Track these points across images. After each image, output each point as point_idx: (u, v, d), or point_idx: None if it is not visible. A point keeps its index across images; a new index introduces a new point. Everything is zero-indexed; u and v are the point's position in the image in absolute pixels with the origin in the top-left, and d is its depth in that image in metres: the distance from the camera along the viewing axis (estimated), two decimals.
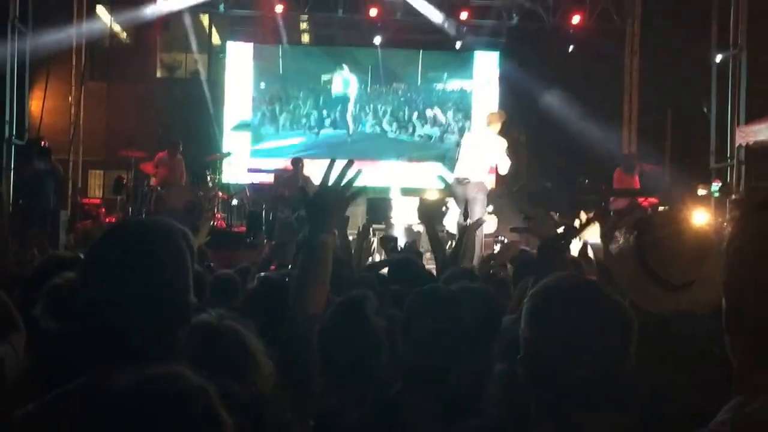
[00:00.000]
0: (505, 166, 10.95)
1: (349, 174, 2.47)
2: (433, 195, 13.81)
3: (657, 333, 2.17)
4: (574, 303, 1.95)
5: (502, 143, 10.90)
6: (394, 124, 16.67)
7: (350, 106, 16.53)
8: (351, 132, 16.52)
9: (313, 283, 2.44)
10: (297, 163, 13.88)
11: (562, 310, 1.94)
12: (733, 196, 12.54)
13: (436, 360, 2.59)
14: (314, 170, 14.59)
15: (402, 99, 16.69)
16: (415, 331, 2.65)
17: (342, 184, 2.46)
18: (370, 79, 16.62)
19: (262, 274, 3.66)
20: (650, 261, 2.47)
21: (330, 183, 2.46)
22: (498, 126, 11.02)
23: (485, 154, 10.94)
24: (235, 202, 14.12)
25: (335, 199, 2.46)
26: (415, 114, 16.71)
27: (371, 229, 9.98)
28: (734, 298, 1.40)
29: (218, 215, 13.80)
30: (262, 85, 16.40)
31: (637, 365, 1.95)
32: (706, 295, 2.46)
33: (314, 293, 2.44)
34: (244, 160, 15.75)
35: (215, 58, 16.79)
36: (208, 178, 13.84)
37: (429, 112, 16.70)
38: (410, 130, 16.70)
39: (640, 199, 12.66)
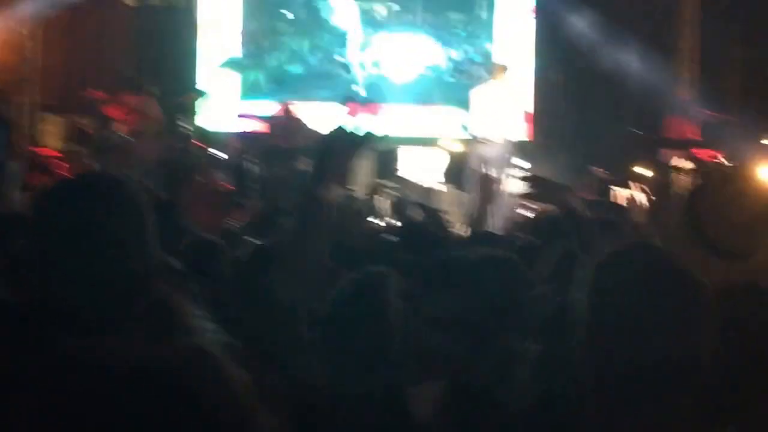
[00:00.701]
0: (516, 123, 12.10)
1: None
2: (453, 146, 13.92)
3: (719, 309, 2.14)
4: (645, 275, 1.95)
5: (513, 97, 12.12)
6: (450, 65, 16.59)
7: (356, 44, 16.42)
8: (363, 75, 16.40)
9: (309, 246, 2.43)
10: (289, 108, 13.87)
11: (631, 283, 1.94)
12: None
13: (452, 342, 2.61)
14: (317, 114, 14.59)
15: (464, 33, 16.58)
16: (428, 307, 2.65)
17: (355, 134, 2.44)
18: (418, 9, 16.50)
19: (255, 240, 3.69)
20: (705, 225, 2.47)
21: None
22: (503, 77, 12.20)
23: (500, 109, 11.79)
24: (220, 154, 14.15)
25: (349, 142, 2.44)
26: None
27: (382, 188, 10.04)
28: None
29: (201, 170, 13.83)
30: (255, 14, 16.33)
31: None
32: None
33: (307, 257, 2.44)
34: (232, 104, 15.75)
35: None
36: (188, 125, 13.86)
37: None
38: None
39: (699, 152, 12.65)
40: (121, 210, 1.91)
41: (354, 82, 16.21)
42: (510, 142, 11.85)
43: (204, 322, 2.21)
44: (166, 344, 1.69)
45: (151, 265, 1.96)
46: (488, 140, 11.63)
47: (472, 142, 11.78)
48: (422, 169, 13.31)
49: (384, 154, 12.86)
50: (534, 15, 16.43)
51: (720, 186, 2.62)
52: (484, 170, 11.42)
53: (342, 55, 16.33)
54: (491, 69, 12.56)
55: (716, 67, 15.20)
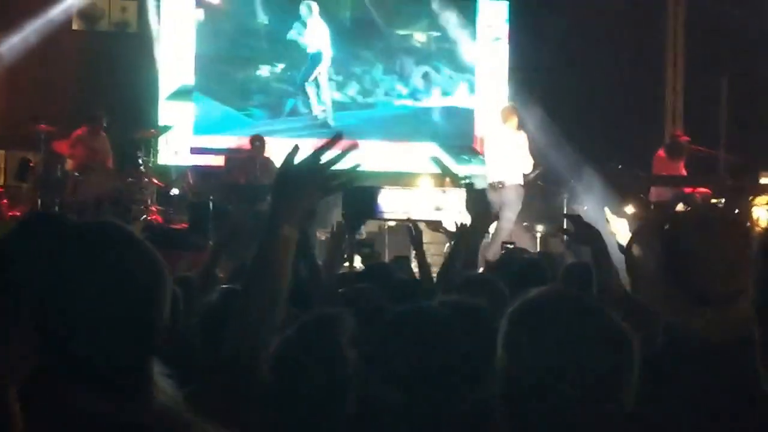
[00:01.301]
0: (529, 165, 12.60)
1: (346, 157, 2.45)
2: (428, 182, 14.09)
3: (706, 362, 2.20)
4: (556, 324, 1.97)
5: (524, 139, 12.66)
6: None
7: (324, 69, 16.52)
8: (328, 106, 16.51)
9: (268, 296, 2.41)
10: (256, 142, 13.85)
11: (542, 333, 1.97)
12: None
13: (415, 399, 2.61)
14: (280, 151, 14.62)
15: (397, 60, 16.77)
16: (388, 363, 2.67)
17: (328, 163, 2.42)
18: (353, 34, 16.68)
19: (226, 285, 3.69)
20: (678, 268, 2.46)
21: (316, 160, 2.42)
22: (515, 120, 12.77)
23: (513, 153, 12.46)
24: (174, 191, 14.13)
25: (312, 180, 2.42)
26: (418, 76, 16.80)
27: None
28: None
29: (153, 208, 13.80)
30: (209, 40, 16.38)
31: (683, 405, 2.02)
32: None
33: (267, 309, 2.42)
34: (186, 138, 15.78)
35: (148, 5, 16.71)
36: (140, 160, 13.84)
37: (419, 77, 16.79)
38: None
39: (688, 190, 12.74)
40: (144, 264, 1.94)
41: (285, 115, 16.43)
42: (521, 187, 12.52)
43: (163, 377, 2.22)
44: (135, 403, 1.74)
45: (164, 318, 1.99)
46: (503, 186, 12.31)
47: (488, 191, 12.13)
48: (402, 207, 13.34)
49: (360, 191, 12.82)
50: (507, 42, 16.66)
51: (695, 227, 2.60)
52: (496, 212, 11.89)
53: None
54: (501, 114, 13.07)
55: (703, 101, 15.36)
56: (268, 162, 13.76)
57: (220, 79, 16.38)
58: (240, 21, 16.51)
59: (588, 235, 4.31)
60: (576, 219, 4.68)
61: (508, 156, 12.39)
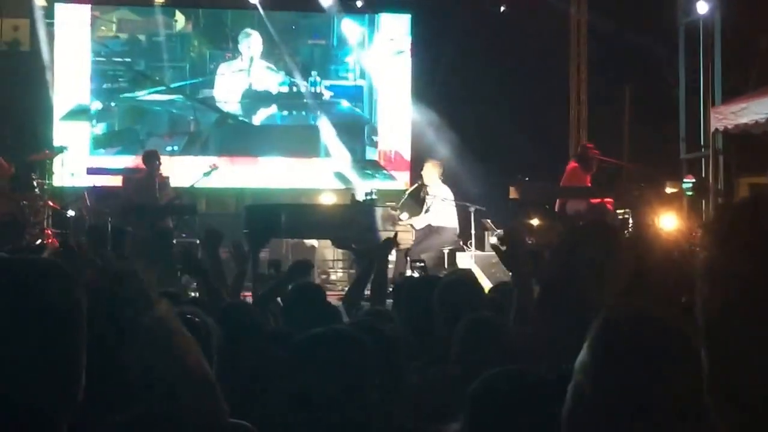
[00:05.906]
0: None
1: None
2: (331, 198, 14.24)
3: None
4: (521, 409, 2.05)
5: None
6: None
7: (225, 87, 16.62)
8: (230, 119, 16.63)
9: None
10: (151, 158, 13.73)
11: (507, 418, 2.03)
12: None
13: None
14: (179, 168, 14.67)
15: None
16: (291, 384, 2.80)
17: None
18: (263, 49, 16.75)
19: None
20: (570, 283, 2.49)
21: None
22: (440, 171, 13.41)
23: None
24: (71, 212, 14.03)
25: None
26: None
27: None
28: (724, 353, 1.23)
29: (49, 231, 13.69)
30: (103, 59, 16.33)
31: None
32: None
33: None
34: (82, 158, 15.75)
35: (40, 24, 16.57)
36: (34, 182, 13.73)
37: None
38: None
39: (594, 200, 12.91)
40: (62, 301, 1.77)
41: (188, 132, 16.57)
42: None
43: None
44: None
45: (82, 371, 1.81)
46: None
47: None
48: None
49: (263, 209, 12.79)
50: (411, 55, 16.88)
51: (589, 240, 2.62)
52: None
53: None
54: (427, 168, 13.43)
55: (607, 111, 15.66)
56: (165, 181, 13.71)
57: (119, 97, 16.36)
58: (134, 40, 16.56)
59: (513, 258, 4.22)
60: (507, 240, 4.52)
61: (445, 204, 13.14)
